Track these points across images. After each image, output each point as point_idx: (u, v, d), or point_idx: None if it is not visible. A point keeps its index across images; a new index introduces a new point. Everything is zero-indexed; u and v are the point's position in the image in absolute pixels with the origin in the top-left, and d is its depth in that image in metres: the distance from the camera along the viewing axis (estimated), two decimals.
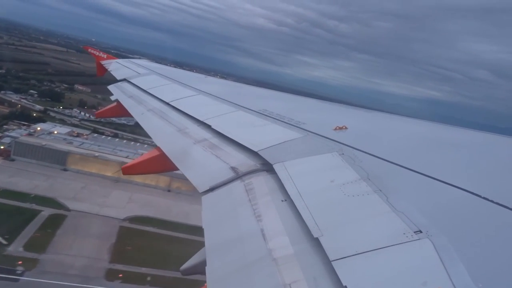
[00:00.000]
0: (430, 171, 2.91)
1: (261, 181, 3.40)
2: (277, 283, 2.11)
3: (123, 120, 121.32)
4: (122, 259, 51.55)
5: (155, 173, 6.13)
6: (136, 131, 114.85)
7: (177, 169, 4.43)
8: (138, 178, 77.82)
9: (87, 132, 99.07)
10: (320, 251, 2.22)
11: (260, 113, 5.46)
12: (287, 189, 3.03)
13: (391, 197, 2.59)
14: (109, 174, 76.26)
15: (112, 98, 9.10)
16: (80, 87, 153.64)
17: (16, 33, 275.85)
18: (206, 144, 4.71)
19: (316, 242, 2.30)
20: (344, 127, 4.33)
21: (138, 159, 5.52)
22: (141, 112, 7.02)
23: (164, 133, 5.61)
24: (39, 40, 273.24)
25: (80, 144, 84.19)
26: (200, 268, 2.78)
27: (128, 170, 5.44)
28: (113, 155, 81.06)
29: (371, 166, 3.16)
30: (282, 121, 4.94)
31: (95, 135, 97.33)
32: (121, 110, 8.31)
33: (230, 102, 6.43)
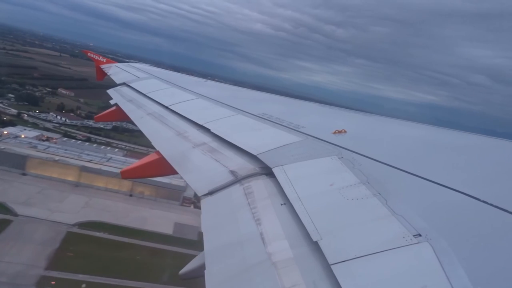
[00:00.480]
0: (429, 175, 2.90)
1: (260, 185, 3.39)
2: (276, 287, 2.11)
3: (100, 124, 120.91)
4: (60, 266, 50.18)
5: (154, 176, 6.25)
6: (111, 135, 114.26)
7: (176, 173, 4.43)
8: (99, 183, 77.07)
9: (57, 136, 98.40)
10: (320, 255, 2.21)
11: (259, 117, 5.46)
12: (286, 192, 3.02)
13: (391, 200, 2.59)
14: (70, 178, 75.50)
15: (112, 102, 9.05)
16: (63, 91, 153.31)
17: (11, 37, 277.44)
18: (206, 148, 4.71)
19: (316, 246, 2.29)
20: (343, 131, 4.32)
21: (137, 163, 5.46)
22: (140, 116, 7.00)
23: (163, 137, 5.60)
24: (33, 45, 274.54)
25: (46, 148, 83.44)
26: (199, 272, 2.77)
27: (127, 174, 5.40)
28: (77, 159, 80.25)
29: (371, 169, 3.15)
30: (281, 125, 4.93)
31: (65, 139, 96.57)
32: (120, 114, 8.25)
33: (230, 106, 6.41)
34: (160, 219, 70.00)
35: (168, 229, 67.52)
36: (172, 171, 4.56)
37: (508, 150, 3.72)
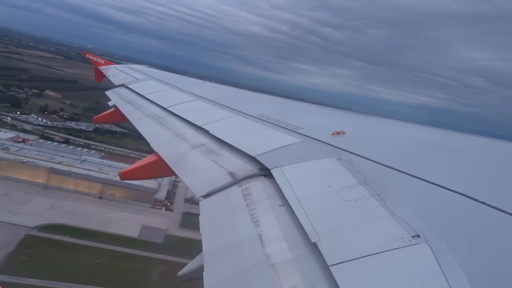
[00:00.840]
0: (428, 176, 2.91)
1: (259, 186, 3.40)
2: None
3: (82, 126, 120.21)
4: (11, 270, 48.90)
5: (153, 178, 6.55)
6: (91, 137, 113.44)
7: (174, 174, 4.43)
8: (69, 185, 76.19)
9: (34, 137, 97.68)
10: (318, 256, 2.23)
11: (258, 118, 5.47)
12: (284, 194, 3.02)
13: (389, 201, 2.59)
14: (39, 180, 74.61)
15: (110, 103, 9.05)
16: (50, 93, 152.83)
17: (6, 39, 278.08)
18: (204, 149, 4.70)
19: (314, 247, 2.30)
20: (342, 132, 4.32)
21: (135, 164, 5.45)
22: (139, 118, 7.00)
23: (161, 139, 5.58)
24: (28, 47, 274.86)
25: (18, 150, 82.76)
26: (198, 274, 2.77)
27: (126, 175, 5.45)
28: (48, 161, 79.43)
29: (369, 170, 3.16)
30: (280, 126, 4.93)
31: (41, 140, 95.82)
32: (118, 116, 8.25)
33: (228, 107, 6.42)
34: (127, 222, 68.96)
35: (133, 232, 66.47)
36: (170, 173, 4.54)
37: (506, 151, 3.71)
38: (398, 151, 3.84)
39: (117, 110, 8.37)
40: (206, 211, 3.27)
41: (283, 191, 3.05)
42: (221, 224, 3.06)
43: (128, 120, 7.27)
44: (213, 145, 4.72)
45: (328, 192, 2.91)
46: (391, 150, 3.86)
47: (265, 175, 3.56)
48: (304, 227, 2.49)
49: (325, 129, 4.45)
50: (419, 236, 2.14)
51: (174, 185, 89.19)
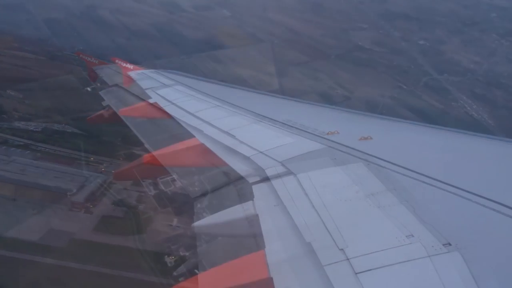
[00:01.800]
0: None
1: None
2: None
3: (31, 126, 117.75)
4: None
5: (146, 179, 6.56)
6: (35, 137, 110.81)
7: (168, 174, 4.60)
8: None
9: None
10: (313, 256, 2.28)
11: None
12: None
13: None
14: None
15: (104, 103, 9.05)
16: (11, 93, 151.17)
17: None
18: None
19: (309, 248, 2.34)
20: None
21: (128, 165, 5.66)
22: (133, 119, 7.05)
23: (157, 140, 5.65)
24: (13, 48, 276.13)
25: None
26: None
27: (119, 176, 6.00)
28: None
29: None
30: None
31: None
32: (112, 116, 8.30)
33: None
34: (32, 225, 65.45)
35: (35, 236, 62.84)
36: (163, 173, 4.68)
37: None
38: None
39: (111, 110, 8.40)
40: (202, 212, 3.35)
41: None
42: (217, 225, 3.12)
43: (122, 120, 7.24)
44: (215, 148, 4.66)
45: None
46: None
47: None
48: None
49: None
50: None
51: (108, 186, 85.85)
